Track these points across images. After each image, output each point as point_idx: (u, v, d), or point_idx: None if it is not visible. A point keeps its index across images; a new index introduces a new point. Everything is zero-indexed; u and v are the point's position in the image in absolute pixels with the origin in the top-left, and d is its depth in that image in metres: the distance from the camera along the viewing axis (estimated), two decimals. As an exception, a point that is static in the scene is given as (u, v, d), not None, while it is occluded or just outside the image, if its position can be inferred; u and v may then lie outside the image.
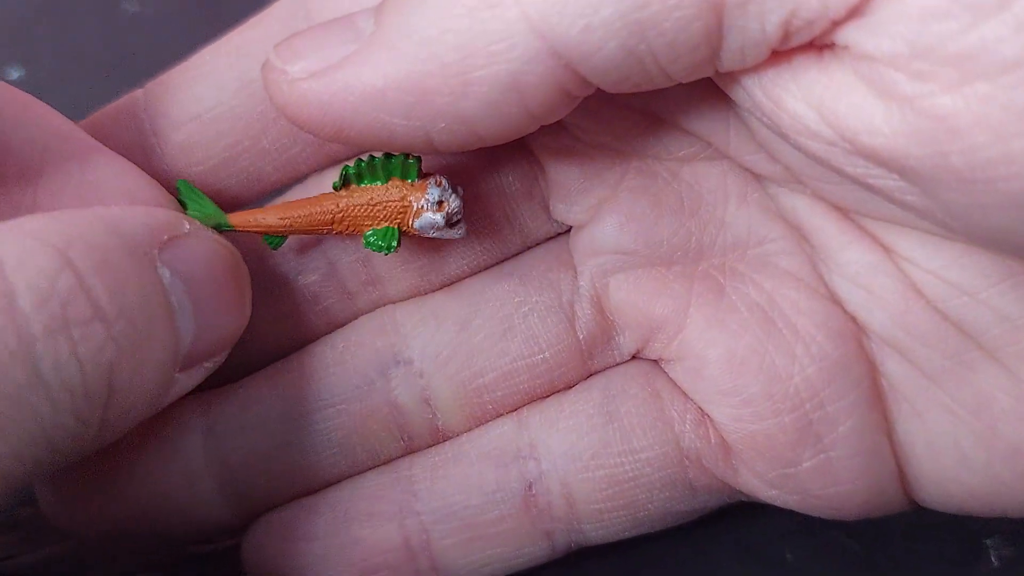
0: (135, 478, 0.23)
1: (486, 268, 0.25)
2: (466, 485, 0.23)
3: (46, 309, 0.16)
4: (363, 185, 0.22)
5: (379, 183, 0.22)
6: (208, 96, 0.22)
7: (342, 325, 0.25)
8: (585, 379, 0.24)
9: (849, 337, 0.22)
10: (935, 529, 0.26)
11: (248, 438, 0.23)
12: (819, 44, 0.18)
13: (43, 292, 0.16)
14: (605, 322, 0.24)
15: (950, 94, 0.16)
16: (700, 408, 0.23)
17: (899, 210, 0.19)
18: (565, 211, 0.24)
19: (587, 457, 0.23)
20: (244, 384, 0.24)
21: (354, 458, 0.24)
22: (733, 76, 0.19)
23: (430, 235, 0.22)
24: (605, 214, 0.23)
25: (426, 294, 0.24)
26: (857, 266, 0.22)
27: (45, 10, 0.38)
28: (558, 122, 0.20)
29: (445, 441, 0.24)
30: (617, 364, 0.24)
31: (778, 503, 0.23)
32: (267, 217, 0.22)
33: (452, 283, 0.24)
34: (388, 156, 0.21)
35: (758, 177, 0.23)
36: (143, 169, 0.22)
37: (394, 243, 0.21)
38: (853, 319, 0.22)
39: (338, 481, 0.24)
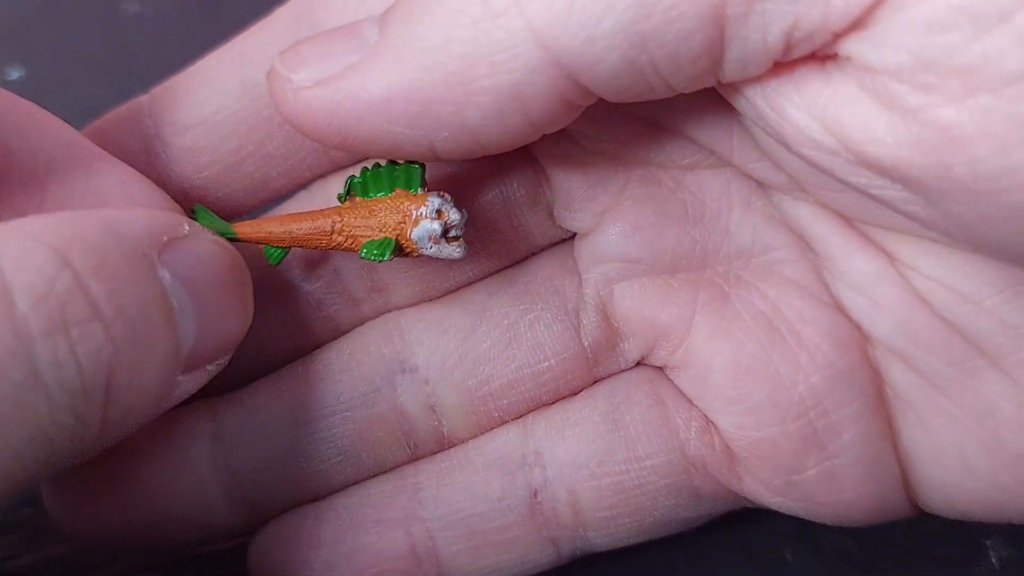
0: (142, 484, 0.23)
1: (491, 275, 0.24)
2: (472, 492, 0.23)
3: (44, 309, 0.16)
4: (368, 197, 0.22)
5: (384, 194, 0.22)
6: (212, 101, 0.22)
7: (347, 332, 0.25)
8: (590, 386, 0.24)
9: (853, 345, 0.22)
10: (935, 530, 0.26)
11: (254, 445, 0.24)
12: (822, 55, 0.18)
13: (41, 292, 0.16)
14: (610, 329, 0.24)
15: (953, 106, 0.16)
16: (705, 415, 0.23)
17: (903, 219, 0.19)
18: (570, 219, 0.24)
19: (592, 464, 0.23)
20: (250, 391, 0.24)
21: (360, 465, 0.24)
22: (735, 86, 0.19)
23: (428, 250, 0.21)
24: (610, 222, 0.23)
25: (431, 301, 0.25)
26: (861, 274, 0.22)
27: (45, 10, 0.38)
28: (563, 130, 0.20)
29: (451, 448, 0.24)
30: (622, 371, 0.24)
31: (783, 510, 0.23)
32: (271, 226, 0.22)
33: (457, 290, 0.25)
34: (392, 164, 0.21)
35: (762, 185, 0.23)
36: (148, 175, 0.22)
37: (387, 252, 0.21)
38: (857, 327, 0.22)
39: (344, 488, 0.24)
